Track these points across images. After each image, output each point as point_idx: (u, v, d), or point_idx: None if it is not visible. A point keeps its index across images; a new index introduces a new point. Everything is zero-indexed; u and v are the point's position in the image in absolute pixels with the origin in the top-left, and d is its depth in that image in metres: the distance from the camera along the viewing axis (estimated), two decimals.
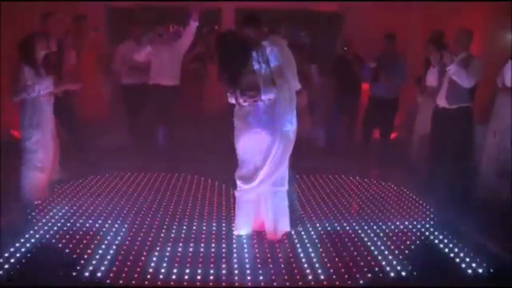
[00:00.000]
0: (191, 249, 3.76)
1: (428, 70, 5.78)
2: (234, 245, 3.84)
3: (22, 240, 3.81)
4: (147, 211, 4.58)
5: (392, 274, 3.44)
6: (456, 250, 3.82)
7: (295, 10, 7.77)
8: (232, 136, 3.96)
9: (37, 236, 3.94)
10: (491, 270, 3.52)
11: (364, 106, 6.79)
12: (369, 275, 3.42)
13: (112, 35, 7.76)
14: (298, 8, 7.73)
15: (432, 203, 4.85)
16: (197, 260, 3.57)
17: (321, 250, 3.78)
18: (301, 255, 3.68)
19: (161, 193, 5.10)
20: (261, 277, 3.35)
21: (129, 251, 3.72)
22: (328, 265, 3.53)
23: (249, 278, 3.34)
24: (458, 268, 3.58)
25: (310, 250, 3.76)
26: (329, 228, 4.23)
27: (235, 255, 3.67)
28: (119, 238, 3.95)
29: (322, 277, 3.36)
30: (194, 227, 4.20)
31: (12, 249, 3.64)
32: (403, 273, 3.46)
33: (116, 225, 4.21)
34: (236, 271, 3.42)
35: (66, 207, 4.60)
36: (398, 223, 4.39)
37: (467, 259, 3.67)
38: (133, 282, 3.28)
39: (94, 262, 3.51)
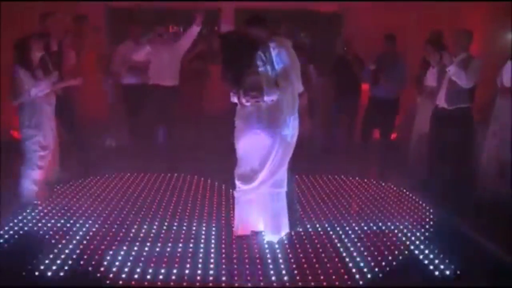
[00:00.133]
0: (190, 249, 3.75)
1: (427, 70, 5.78)
2: (234, 246, 3.84)
3: (21, 241, 3.81)
4: (147, 211, 4.57)
5: (391, 274, 3.44)
6: (455, 250, 3.82)
7: (295, 10, 7.77)
8: (232, 136, 3.96)
9: (36, 236, 3.94)
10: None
11: (364, 107, 6.78)
12: (369, 275, 3.42)
13: (112, 35, 7.76)
14: (298, 8, 7.73)
15: (432, 203, 4.85)
16: (197, 260, 3.57)
17: (320, 250, 3.78)
18: (301, 255, 3.68)
19: (161, 194, 5.09)
20: (260, 278, 3.34)
21: (128, 251, 3.71)
22: (328, 265, 3.53)
23: (248, 278, 3.34)
24: (457, 269, 3.59)
25: (310, 250, 3.76)
26: (328, 229, 4.23)
27: (234, 255, 3.67)
28: (118, 238, 3.95)
29: (321, 277, 3.36)
30: (194, 227, 4.20)
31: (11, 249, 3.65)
32: (403, 273, 3.46)
33: (116, 225, 4.20)
34: (235, 272, 3.42)
35: (66, 207, 4.60)
36: (397, 223, 4.39)
37: (467, 259, 3.67)
38: (133, 282, 3.28)
39: (93, 262, 3.51)
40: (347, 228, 4.25)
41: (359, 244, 3.93)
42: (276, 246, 3.82)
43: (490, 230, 4.15)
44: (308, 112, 5.92)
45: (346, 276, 3.39)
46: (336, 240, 3.99)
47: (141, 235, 4.03)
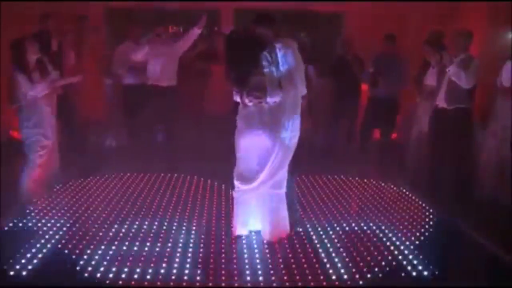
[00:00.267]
0: (190, 250, 3.75)
1: (426, 70, 5.77)
2: (233, 246, 3.83)
3: (20, 241, 3.81)
4: (147, 211, 4.57)
5: (390, 274, 3.44)
6: (455, 249, 3.82)
7: (295, 11, 7.76)
8: (233, 136, 3.95)
9: (35, 236, 3.94)
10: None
11: (364, 107, 6.78)
12: (369, 275, 3.41)
13: (112, 35, 7.76)
14: (298, 9, 7.72)
15: (431, 203, 4.84)
16: (196, 261, 3.57)
17: (320, 250, 3.78)
18: (301, 255, 3.68)
19: (161, 194, 5.09)
20: (260, 278, 3.34)
21: (128, 251, 3.71)
22: (328, 265, 3.53)
23: (248, 278, 3.34)
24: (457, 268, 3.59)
25: (309, 250, 3.76)
26: (328, 229, 4.22)
27: (234, 255, 3.67)
28: (118, 238, 3.95)
29: (321, 277, 3.36)
30: (194, 228, 4.20)
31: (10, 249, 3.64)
32: (402, 274, 3.46)
33: (116, 226, 4.20)
34: (235, 272, 3.41)
35: (66, 207, 4.60)
36: (397, 223, 4.39)
37: (467, 259, 3.67)
38: (133, 282, 3.28)
39: (93, 262, 3.52)
40: (346, 228, 4.24)
41: (358, 244, 3.92)
42: (276, 246, 3.82)
43: (490, 230, 4.15)
44: (308, 113, 5.93)
45: (345, 276, 3.39)
46: (336, 240, 3.98)
47: (141, 235, 4.03)
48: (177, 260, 3.57)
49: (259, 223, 4.01)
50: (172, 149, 6.41)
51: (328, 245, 3.87)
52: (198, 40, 6.31)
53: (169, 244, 3.84)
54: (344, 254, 3.72)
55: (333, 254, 3.71)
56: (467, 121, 5.15)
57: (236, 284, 3.29)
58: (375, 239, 4.03)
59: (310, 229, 4.19)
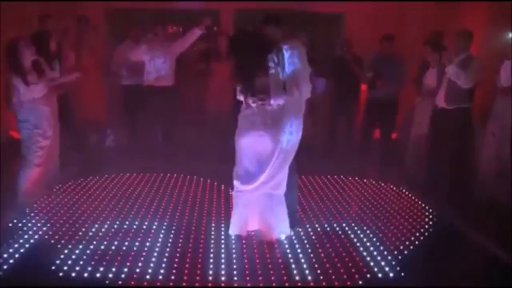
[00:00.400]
0: (190, 249, 3.75)
1: (426, 70, 5.77)
2: (233, 245, 3.84)
3: (19, 240, 3.82)
4: (146, 211, 4.57)
5: (390, 275, 3.44)
6: (455, 250, 3.82)
7: (295, 11, 7.75)
8: (233, 138, 3.94)
9: (34, 236, 3.95)
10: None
11: (363, 107, 6.77)
12: (368, 275, 3.41)
13: (112, 35, 7.76)
14: (297, 9, 7.72)
15: (431, 203, 4.84)
16: (196, 260, 3.56)
17: (320, 251, 3.77)
18: (300, 255, 3.68)
19: (160, 194, 5.09)
20: (260, 278, 3.34)
21: (127, 251, 3.71)
22: (327, 265, 3.52)
23: (247, 278, 3.34)
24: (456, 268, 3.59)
25: (309, 251, 3.76)
26: (328, 229, 4.22)
27: (234, 255, 3.67)
28: (117, 238, 3.94)
29: (321, 277, 3.35)
30: (193, 227, 4.20)
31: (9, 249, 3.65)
32: (402, 274, 3.46)
33: (115, 226, 4.20)
34: (234, 272, 3.41)
35: (66, 207, 4.60)
36: (396, 223, 4.39)
37: (467, 259, 3.67)
38: (132, 282, 3.28)
39: (93, 262, 3.51)
40: (346, 228, 4.24)
41: (358, 244, 3.93)
42: (275, 246, 3.81)
43: (490, 230, 4.14)
44: (308, 113, 5.93)
45: (345, 276, 3.39)
46: (335, 240, 3.98)
47: (141, 234, 4.03)
48: (176, 260, 3.56)
49: (258, 223, 4.01)
50: (172, 149, 6.41)
51: (328, 245, 3.87)
52: (197, 40, 6.31)
53: (169, 244, 3.84)
54: (343, 254, 3.72)
55: (333, 254, 3.71)
56: (466, 121, 5.15)
57: (235, 284, 3.28)
58: (374, 239, 4.03)
59: (309, 229, 4.18)
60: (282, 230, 3.97)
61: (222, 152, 5.44)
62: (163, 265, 3.48)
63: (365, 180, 5.74)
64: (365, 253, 3.75)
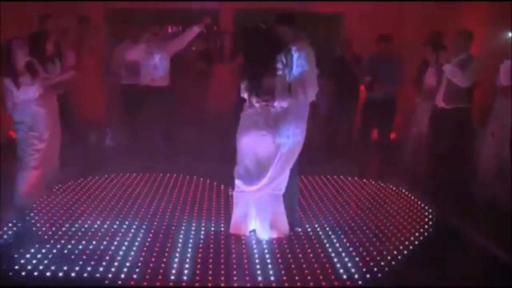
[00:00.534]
0: (189, 249, 3.74)
1: (425, 70, 5.76)
2: (232, 245, 3.83)
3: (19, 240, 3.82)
4: (146, 211, 4.56)
5: (390, 274, 3.44)
6: (455, 250, 3.82)
7: (295, 11, 7.75)
8: (234, 138, 3.93)
9: (34, 236, 3.94)
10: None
11: (361, 107, 6.75)
12: (368, 275, 3.41)
13: (112, 35, 7.76)
14: (297, 9, 7.71)
15: (431, 203, 4.84)
16: (196, 260, 3.56)
17: (319, 250, 3.77)
18: (300, 255, 3.67)
19: (160, 194, 5.08)
20: (259, 278, 3.34)
21: (127, 251, 3.71)
22: (327, 265, 3.52)
23: (247, 278, 3.33)
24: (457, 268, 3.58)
25: (309, 250, 3.76)
26: (327, 229, 4.21)
27: (234, 255, 3.66)
28: (117, 238, 3.94)
29: (321, 277, 3.35)
30: (193, 227, 4.20)
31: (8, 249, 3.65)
32: (402, 274, 3.46)
33: (115, 226, 4.20)
34: (234, 272, 3.41)
35: (65, 207, 4.60)
36: (396, 223, 4.38)
37: (467, 259, 3.66)
38: (132, 283, 3.27)
39: (93, 262, 3.50)
40: (346, 228, 4.24)
41: (358, 244, 3.92)
42: (275, 246, 3.81)
43: (490, 230, 4.14)
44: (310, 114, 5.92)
45: (345, 276, 3.38)
46: (335, 240, 3.97)
47: (140, 234, 4.02)
48: (176, 260, 3.55)
49: (257, 223, 4.00)
50: (172, 149, 6.41)
51: (327, 245, 3.86)
52: (196, 40, 6.30)
53: (168, 244, 3.83)
54: (343, 254, 3.71)
55: (332, 254, 3.70)
56: (466, 121, 5.15)
57: (235, 284, 3.28)
58: (374, 239, 4.02)
59: (309, 229, 4.18)
60: (281, 230, 3.97)
61: (222, 152, 5.43)
62: (162, 264, 3.48)
63: (364, 180, 5.73)
64: (365, 253, 3.74)
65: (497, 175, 5.00)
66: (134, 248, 3.75)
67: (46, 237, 3.95)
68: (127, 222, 4.27)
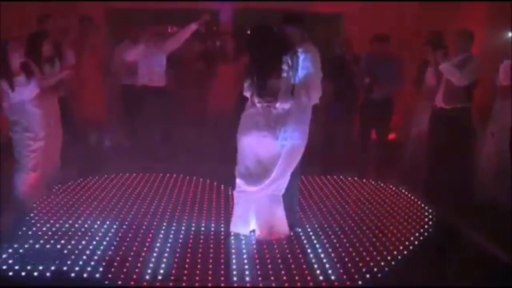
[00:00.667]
0: (189, 249, 3.75)
1: (425, 70, 5.75)
2: (232, 245, 3.83)
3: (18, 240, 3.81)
4: (146, 211, 4.56)
5: (390, 274, 3.44)
6: (455, 250, 3.82)
7: (303, 11, 7.75)
8: (234, 138, 3.92)
9: (34, 236, 3.94)
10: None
11: (359, 107, 6.74)
12: (367, 275, 3.41)
13: (112, 35, 7.76)
14: (297, 9, 7.71)
15: (430, 203, 4.84)
16: (196, 260, 3.56)
17: (319, 251, 3.76)
18: (300, 255, 3.67)
19: (160, 194, 5.08)
20: (259, 278, 3.33)
21: (126, 251, 3.71)
22: (326, 265, 3.52)
23: (247, 279, 3.33)
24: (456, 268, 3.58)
25: (309, 251, 3.76)
26: (327, 229, 4.21)
27: (233, 255, 3.66)
28: (117, 238, 3.94)
29: (320, 277, 3.35)
30: (193, 227, 4.20)
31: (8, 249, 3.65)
32: (402, 274, 3.46)
33: (115, 226, 4.20)
34: (234, 272, 3.41)
35: (65, 208, 4.59)
36: (396, 223, 4.38)
37: (467, 259, 3.66)
38: (132, 283, 3.27)
39: (93, 262, 3.50)
40: (345, 228, 4.24)
41: (357, 244, 3.92)
42: (274, 246, 3.81)
43: (490, 230, 4.14)
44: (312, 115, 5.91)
45: (344, 276, 3.38)
46: (335, 240, 3.97)
47: (140, 235, 4.02)
48: (176, 260, 3.56)
49: (257, 223, 3.99)
50: (171, 149, 6.41)
51: (327, 245, 3.86)
52: (194, 41, 6.28)
53: (168, 244, 3.83)
54: (343, 254, 3.71)
55: (332, 254, 3.71)
56: (465, 121, 5.14)
57: (235, 284, 3.28)
58: (374, 239, 4.02)
59: (308, 229, 4.18)
60: (281, 229, 3.97)
61: (222, 152, 5.43)
62: (163, 265, 3.48)
63: (364, 180, 5.73)
64: (364, 253, 3.74)
65: (497, 175, 4.99)
66: (134, 248, 3.75)
67: (46, 237, 3.94)
68: (127, 222, 4.27)
